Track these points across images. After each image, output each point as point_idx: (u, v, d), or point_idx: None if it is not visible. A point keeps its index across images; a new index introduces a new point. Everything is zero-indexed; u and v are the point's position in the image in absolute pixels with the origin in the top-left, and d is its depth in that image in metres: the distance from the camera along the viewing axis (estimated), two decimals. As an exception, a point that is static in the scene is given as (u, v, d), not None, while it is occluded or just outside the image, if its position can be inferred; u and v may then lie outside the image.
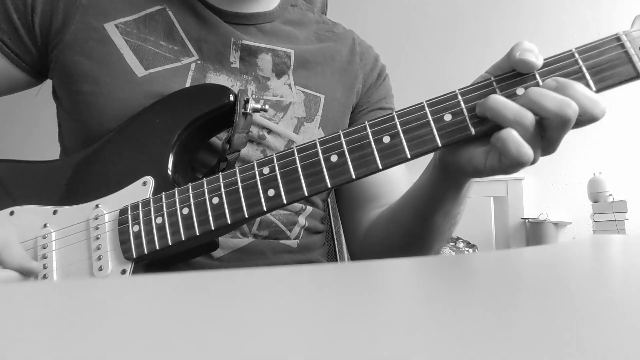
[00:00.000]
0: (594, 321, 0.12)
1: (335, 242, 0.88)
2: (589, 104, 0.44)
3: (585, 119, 0.44)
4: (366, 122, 0.50)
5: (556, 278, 0.18)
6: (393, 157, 0.48)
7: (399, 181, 0.73)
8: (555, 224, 2.11)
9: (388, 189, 0.72)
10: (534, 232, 2.07)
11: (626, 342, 0.10)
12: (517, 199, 2.15)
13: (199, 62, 0.64)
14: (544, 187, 2.22)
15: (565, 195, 2.21)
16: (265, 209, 0.50)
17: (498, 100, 0.45)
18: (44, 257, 0.55)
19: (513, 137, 0.44)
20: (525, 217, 2.12)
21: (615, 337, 0.10)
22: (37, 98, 0.81)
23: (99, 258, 0.54)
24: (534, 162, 0.46)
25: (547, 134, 0.45)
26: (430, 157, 0.54)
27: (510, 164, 0.45)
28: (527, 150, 0.44)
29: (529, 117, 0.44)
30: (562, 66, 0.47)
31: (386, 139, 0.49)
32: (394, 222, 0.64)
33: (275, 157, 0.51)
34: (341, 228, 0.83)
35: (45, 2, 0.64)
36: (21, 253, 0.54)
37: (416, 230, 0.60)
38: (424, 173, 0.58)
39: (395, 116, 0.49)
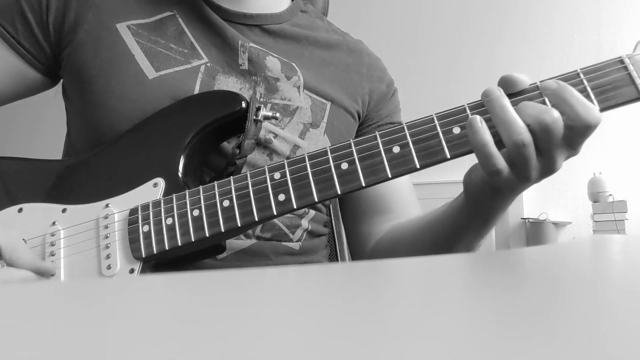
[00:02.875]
0: (594, 321, 0.12)
1: (337, 244, 0.88)
2: (583, 110, 0.45)
3: (579, 124, 0.45)
4: (376, 133, 0.51)
5: (556, 278, 0.18)
6: (402, 167, 0.50)
7: (407, 196, 0.73)
8: (555, 224, 2.11)
9: (396, 204, 0.72)
10: (534, 232, 2.07)
11: (626, 343, 0.10)
12: (517, 199, 2.11)
13: (208, 64, 0.64)
14: (544, 187, 2.22)
15: (565, 195, 2.20)
16: (275, 213, 0.51)
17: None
18: (52, 254, 0.55)
19: (483, 144, 0.46)
20: (525, 217, 2.11)
21: (616, 338, 0.10)
22: (40, 98, 0.81)
23: (108, 257, 0.54)
24: (525, 177, 0.47)
25: (537, 147, 0.46)
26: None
27: (485, 172, 0.47)
28: (497, 160, 0.46)
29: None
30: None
31: (396, 149, 0.50)
32: (413, 244, 0.65)
33: (286, 163, 0.52)
34: (342, 229, 0.83)
35: (59, 1, 0.64)
36: (31, 254, 0.54)
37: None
38: (452, 201, 0.59)
39: (405, 127, 0.50)
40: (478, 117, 0.46)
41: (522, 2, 2.33)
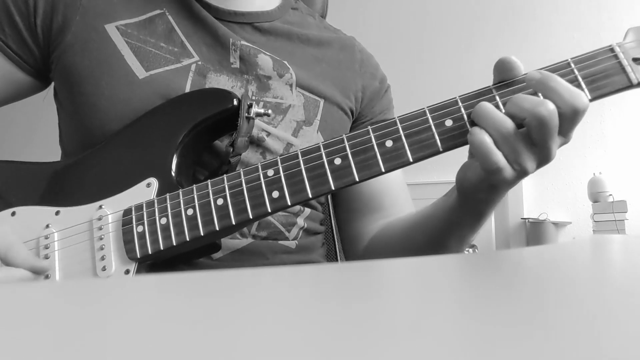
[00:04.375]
0: (594, 321, 0.12)
1: (336, 243, 0.87)
2: (569, 96, 0.46)
3: (566, 111, 0.46)
4: (369, 127, 0.51)
5: (556, 278, 0.18)
6: (396, 161, 0.50)
7: (399, 193, 0.74)
8: (555, 224, 2.11)
9: (389, 201, 0.72)
10: (534, 232, 2.07)
11: (626, 342, 0.10)
12: (517, 199, 2.15)
13: (199, 62, 0.64)
14: (544, 187, 2.22)
15: (565, 195, 2.21)
16: (269, 210, 0.51)
17: (484, 107, 0.48)
18: (46, 257, 0.55)
19: (481, 142, 0.46)
20: (525, 217, 2.12)
21: (616, 338, 0.10)
22: (37, 100, 0.81)
23: (103, 258, 0.54)
24: (523, 171, 0.47)
25: (532, 139, 0.47)
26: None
27: (485, 171, 0.47)
28: (495, 158, 0.46)
29: (508, 126, 0.46)
30: (558, 75, 0.48)
31: (389, 143, 0.50)
32: (406, 241, 0.65)
33: (279, 160, 0.52)
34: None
35: (47, 3, 0.63)
36: (28, 253, 0.54)
37: (428, 252, 0.61)
38: (444, 198, 0.59)
39: (398, 121, 0.50)
40: (477, 127, 0.47)
41: (522, 2, 2.34)
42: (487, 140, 0.46)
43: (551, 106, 0.45)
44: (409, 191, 0.76)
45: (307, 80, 0.68)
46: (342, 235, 0.77)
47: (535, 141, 0.46)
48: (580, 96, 0.46)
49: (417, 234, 0.63)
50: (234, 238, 0.62)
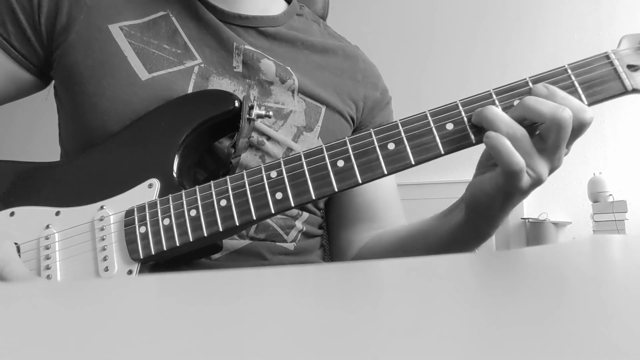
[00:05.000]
0: (594, 321, 0.12)
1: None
2: (579, 109, 0.47)
3: (574, 123, 0.47)
4: (371, 130, 0.51)
5: (556, 278, 0.18)
6: (398, 163, 0.50)
7: (392, 204, 0.74)
8: (555, 224, 2.11)
9: (382, 211, 0.72)
10: (534, 232, 2.07)
11: (626, 343, 0.10)
12: (517, 199, 2.14)
13: (202, 65, 0.64)
14: (544, 187, 2.21)
15: (565, 195, 2.21)
16: (273, 211, 0.51)
17: (493, 111, 0.48)
18: (47, 257, 0.55)
19: (503, 144, 0.46)
20: (525, 217, 2.12)
21: (616, 338, 0.10)
22: (37, 100, 0.81)
23: (105, 258, 0.54)
24: (539, 179, 0.48)
25: (547, 143, 0.47)
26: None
27: (506, 174, 0.47)
28: (518, 158, 0.46)
29: (519, 130, 0.47)
30: (556, 81, 0.50)
31: (391, 146, 0.51)
32: (401, 253, 0.65)
33: (282, 162, 0.52)
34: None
35: (51, 1, 0.63)
36: (24, 269, 0.53)
37: None
38: (446, 214, 0.60)
39: (399, 124, 0.51)
40: (492, 131, 0.48)
41: (522, 3, 2.33)
42: (507, 141, 0.47)
43: (569, 111, 0.46)
44: (400, 202, 0.76)
45: (309, 87, 0.68)
46: (332, 242, 0.77)
47: (549, 146, 0.47)
48: (587, 111, 0.47)
49: (415, 248, 0.63)
50: (232, 239, 0.62)
